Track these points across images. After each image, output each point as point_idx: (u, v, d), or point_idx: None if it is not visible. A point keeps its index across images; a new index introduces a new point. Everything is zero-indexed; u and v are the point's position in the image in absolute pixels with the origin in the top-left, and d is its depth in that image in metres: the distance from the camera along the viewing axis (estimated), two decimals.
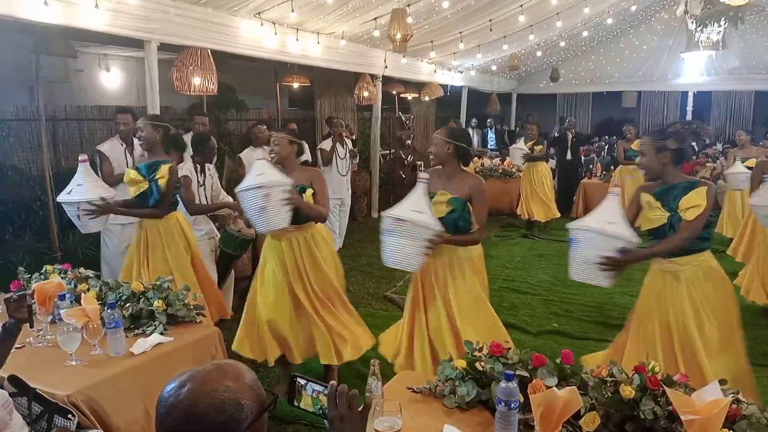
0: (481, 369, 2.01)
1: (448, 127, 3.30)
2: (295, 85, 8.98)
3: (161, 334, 2.58)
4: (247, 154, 5.90)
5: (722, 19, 8.41)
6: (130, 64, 8.81)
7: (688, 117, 14.66)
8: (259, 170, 3.13)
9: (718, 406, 1.48)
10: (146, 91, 4.93)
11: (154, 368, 2.39)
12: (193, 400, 1.06)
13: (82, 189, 3.42)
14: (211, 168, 4.58)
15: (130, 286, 2.83)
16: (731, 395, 1.62)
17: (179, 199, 3.93)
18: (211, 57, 5.38)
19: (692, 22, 9.04)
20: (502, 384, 1.71)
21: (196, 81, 5.29)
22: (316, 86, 9.73)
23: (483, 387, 1.98)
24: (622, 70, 13.54)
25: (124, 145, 4.70)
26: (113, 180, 4.32)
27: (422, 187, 2.88)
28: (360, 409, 1.30)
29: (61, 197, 3.47)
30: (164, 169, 3.59)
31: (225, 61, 6.43)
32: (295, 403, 1.35)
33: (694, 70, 12.88)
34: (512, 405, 1.69)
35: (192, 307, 2.79)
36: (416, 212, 2.77)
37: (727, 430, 1.58)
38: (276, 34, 5.90)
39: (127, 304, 2.72)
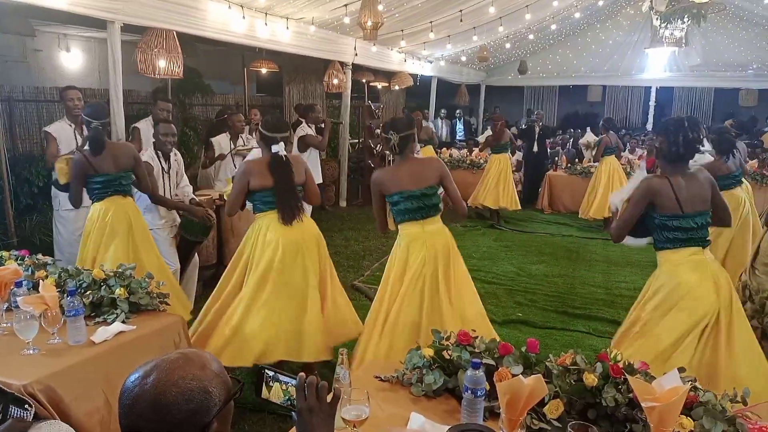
0: (448, 357, 2.02)
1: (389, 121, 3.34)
2: (263, 71, 8.84)
3: (123, 322, 2.52)
4: (221, 139, 5.83)
5: (686, 16, 8.62)
6: (91, 44, 8.52)
7: (651, 112, 15.03)
8: None
9: (677, 393, 1.52)
10: (109, 73, 4.78)
11: (115, 357, 2.33)
12: (159, 390, 1.04)
13: None
14: (177, 154, 4.48)
15: (91, 273, 2.76)
16: (689, 383, 1.67)
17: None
18: (176, 39, 5.26)
19: (657, 18, 9.24)
20: (469, 372, 1.73)
21: (161, 64, 5.16)
22: (285, 72, 9.62)
23: (450, 375, 2.00)
24: (588, 64, 13.77)
25: (73, 126, 4.57)
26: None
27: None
28: (329, 400, 1.29)
29: None
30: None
31: (191, 45, 6.29)
32: (264, 395, 1.33)
33: (658, 66, 13.20)
34: (479, 393, 1.71)
35: (155, 295, 2.73)
36: None
37: (684, 416, 1.63)
38: (244, 17, 5.79)
39: (88, 292, 2.65)
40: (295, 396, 1.28)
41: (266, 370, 1.33)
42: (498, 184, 8.39)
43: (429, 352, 2.05)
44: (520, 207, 8.61)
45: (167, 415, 1.04)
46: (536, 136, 9.81)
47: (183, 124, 7.81)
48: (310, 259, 3.31)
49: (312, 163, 6.35)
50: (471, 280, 3.34)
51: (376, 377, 2.08)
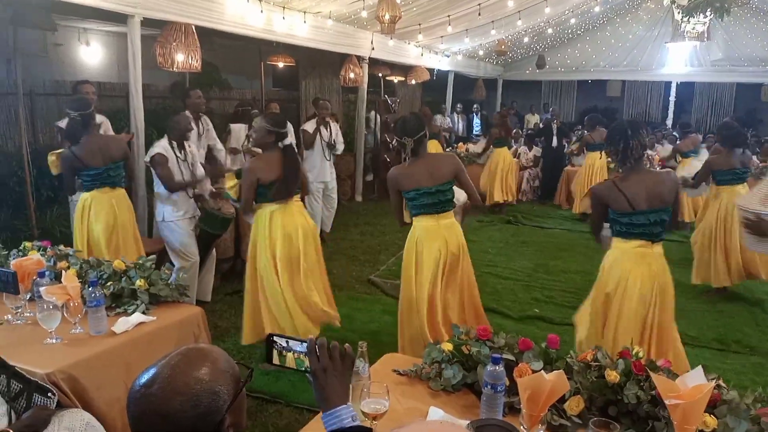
0: (467, 352, 2.01)
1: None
2: (280, 65, 8.84)
3: (143, 313, 2.55)
4: (241, 130, 5.89)
5: (708, 9, 8.46)
6: (111, 39, 8.60)
7: (671, 108, 14.81)
8: None
9: (701, 391, 1.50)
10: (128, 67, 4.82)
11: (136, 348, 2.35)
12: (165, 399, 1.01)
13: None
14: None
15: (112, 265, 2.78)
16: (713, 380, 1.64)
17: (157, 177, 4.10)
18: (195, 33, 5.27)
19: (678, 12, 9.08)
20: (489, 367, 1.72)
21: (180, 58, 5.18)
22: (301, 67, 9.60)
23: (469, 370, 1.99)
24: (607, 59, 13.59)
25: None
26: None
27: None
28: (342, 359, 1.31)
29: None
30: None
31: (208, 39, 6.30)
32: (276, 362, 1.34)
33: (678, 61, 12.98)
34: (498, 388, 1.70)
35: (175, 286, 2.75)
36: None
37: (708, 414, 1.60)
38: (262, 11, 5.80)
39: (109, 283, 2.68)
40: (308, 361, 1.30)
41: (275, 338, 1.34)
42: (503, 178, 8.55)
43: (448, 347, 2.04)
44: (515, 200, 8.92)
45: (176, 423, 1.01)
46: (555, 131, 9.74)
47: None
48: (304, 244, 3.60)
49: (309, 162, 6.33)
50: (474, 278, 3.53)
51: (395, 371, 2.07)
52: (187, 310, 2.71)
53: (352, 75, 8.39)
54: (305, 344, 1.32)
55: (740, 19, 11.61)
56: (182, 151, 4.37)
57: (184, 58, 5.23)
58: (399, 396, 1.90)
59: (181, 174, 4.31)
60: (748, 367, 3.87)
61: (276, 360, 1.35)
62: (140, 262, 2.81)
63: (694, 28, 9.03)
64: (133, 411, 1.04)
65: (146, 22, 4.78)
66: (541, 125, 11.99)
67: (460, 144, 10.83)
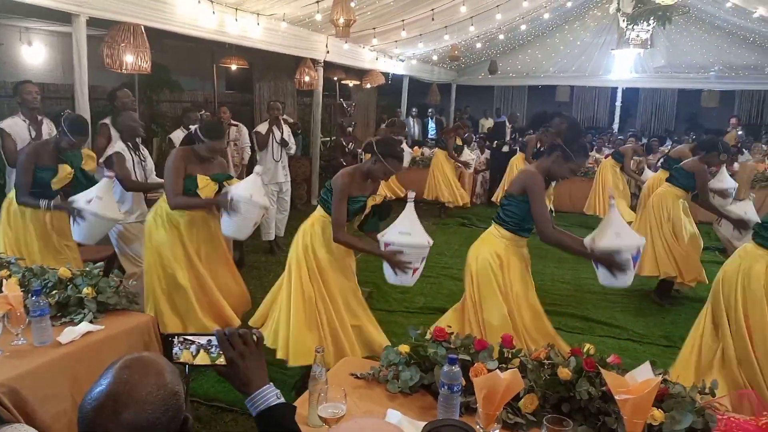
0: (424, 354, 2.03)
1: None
2: (233, 67, 8.73)
3: (91, 322, 2.46)
4: (178, 135, 5.73)
5: (651, 18, 8.81)
6: (55, 39, 8.29)
7: (617, 112, 15.34)
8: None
9: (649, 386, 1.55)
10: (74, 68, 4.66)
11: (83, 358, 2.27)
12: (136, 415, 1.00)
13: (100, 205, 3.42)
14: (143, 149, 4.42)
15: (57, 273, 2.68)
16: (660, 375, 1.70)
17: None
18: (144, 34, 5.15)
19: (623, 20, 9.42)
20: (446, 368, 1.73)
21: (128, 59, 5.05)
22: (255, 69, 9.49)
23: (426, 371, 2.00)
24: (556, 65, 13.96)
25: (27, 121, 4.47)
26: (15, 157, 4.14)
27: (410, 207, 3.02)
28: (256, 342, 1.31)
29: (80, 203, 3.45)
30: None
31: (159, 40, 6.16)
32: (184, 359, 1.29)
33: (624, 68, 13.46)
34: (455, 388, 1.72)
35: (124, 294, 2.66)
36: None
37: (656, 408, 1.66)
38: (214, 13, 5.70)
39: (54, 291, 2.57)
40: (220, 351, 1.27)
41: (176, 338, 1.29)
42: (450, 180, 8.75)
43: (405, 349, 2.05)
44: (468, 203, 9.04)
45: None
46: (507, 136, 9.93)
47: (150, 121, 7.65)
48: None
49: (264, 161, 6.26)
50: None
51: (352, 375, 2.07)
52: (137, 318, 2.63)
53: (307, 78, 8.35)
54: (211, 338, 1.29)
55: (681, 27, 12.13)
56: (137, 153, 4.28)
57: (134, 60, 5.10)
58: (357, 399, 1.89)
59: (136, 176, 4.21)
60: None
61: (186, 358, 1.29)
62: (87, 269, 2.72)
63: (638, 36, 9.40)
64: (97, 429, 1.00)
65: (92, 22, 4.63)
66: (487, 128, 12.22)
67: (416, 148, 10.91)
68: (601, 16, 12.52)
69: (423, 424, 1.69)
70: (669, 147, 10.88)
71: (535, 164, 3.00)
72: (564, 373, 1.81)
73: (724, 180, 5.53)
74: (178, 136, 5.83)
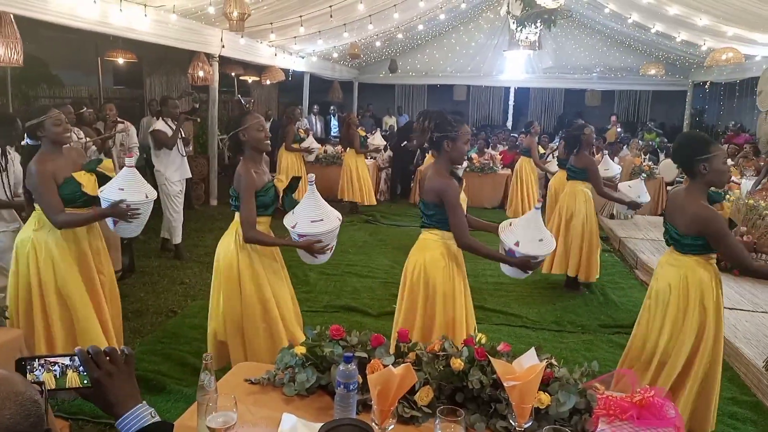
0: (321, 354, 1.99)
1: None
2: (120, 61, 8.22)
3: None
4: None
5: (538, 20, 9.31)
6: None
7: (510, 111, 16.09)
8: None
9: (534, 371, 1.62)
10: None
11: None
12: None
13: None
14: (12, 152, 4.00)
15: None
16: (545, 360, 1.78)
17: None
18: (14, 23, 4.71)
19: (513, 22, 9.88)
20: (341, 367, 1.71)
21: None
22: (146, 64, 9.02)
23: (323, 372, 1.97)
24: (453, 65, 14.41)
25: None
26: None
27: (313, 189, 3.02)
28: (126, 360, 1.24)
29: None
30: None
31: (33, 30, 5.68)
32: (53, 386, 1.18)
33: (515, 68, 14.14)
34: (351, 387, 1.70)
35: None
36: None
37: (542, 392, 1.74)
38: (95, 2, 5.32)
39: None
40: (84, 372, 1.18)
41: (28, 361, 1.18)
42: (363, 178, 8.74)
43: (301, 350, 2.01)
44: (375, 202, 9.03)
45: None
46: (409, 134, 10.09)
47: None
48: None
49: (167, 161, 5.94)
50: None
51: (247, 380, 1.99)
52: (7, 333, 2.39)
53: (201, 73, 8.01)
54: (74, 357, 1.20)
55: (566, 31, 12.94)
56: (4, 159, 3.85)
57: (3, 51, 4.66)
58: (251, 406, 1.83)
59: (1, 185, 3.79)
60: (580, 344, 4.29)
61: (51, 384, 1.17)
62: None
63: (527, 38, 9.89)
64: None
65: None
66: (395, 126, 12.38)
67: (319, 146, 10.84)
68: (494, 18, 13.07)
69: (319, 425, 1.67)
70: (557, 144, 11.56)
71: (436, 169, 2.96)
72: (456, 363, 1.85)
73: (610, 168, 6.01)
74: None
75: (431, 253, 2.96)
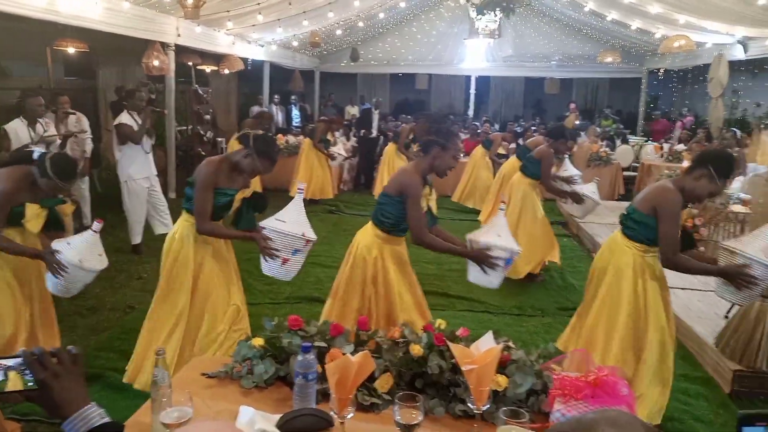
0: (279, 345, 1.97)
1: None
2: (71, 51, 7.93)
3: None
4: (16, 126, 5.10)
5: (497, 9, 9.37)
6: None
7: (471, 100, 16.19)
8: None
9: (492, 354, 1.63)
10: None
11: None
12: None
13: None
14: None
15: None
16: (502, 343, 1.80)
17: None
18: None
19: (473, 11, 9.93)
20: (300, 357, 1.70)
21: None
22: (98, 53, 8.72)
23: (282, 363, 1.95)
24: (415, 53, 14.41)
25: None
26: None
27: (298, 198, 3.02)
28: (73, 360, 1.19)
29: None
30: None
31: None
32: None
33: (476, 57, 14.22)
34: (309, 377, 1.69)
35: None
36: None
37: (499, 374, 1.76)
38: None
39: None
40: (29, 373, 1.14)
41: None
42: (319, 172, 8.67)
43: (259, 342, 1.98)
44: (332, 195, 8.92)
45: None
46: (374, 123, 10.06)
47: None
48: None
49: (132, 155, 5.76)
50: None
51: (203, 374, 1.96)
52: None
53: (156, 63, 7.79)
54: (18, 359, 1.15)
55: (525, 19, 13.06)
56: None
57: None
58: (208, 400, 1.80)
59: None
60: (540, 328, 4.38)
61: None
62: None
63: (486, 26, 9.95)
64: None
65: None
66: (358, 115, 12.33)
67: (280, 135, 10.71)
68: (454, 7, 13.11)
69: (278, 416, 1.65)
70: (518, 130, 11.72)
71: (414, 164, 2.99)
72: (416, 349, 1.85)
73: (568, 169, 6.10)
74: (15, 126, 5.18)
75: (363, 237, 3.25)
